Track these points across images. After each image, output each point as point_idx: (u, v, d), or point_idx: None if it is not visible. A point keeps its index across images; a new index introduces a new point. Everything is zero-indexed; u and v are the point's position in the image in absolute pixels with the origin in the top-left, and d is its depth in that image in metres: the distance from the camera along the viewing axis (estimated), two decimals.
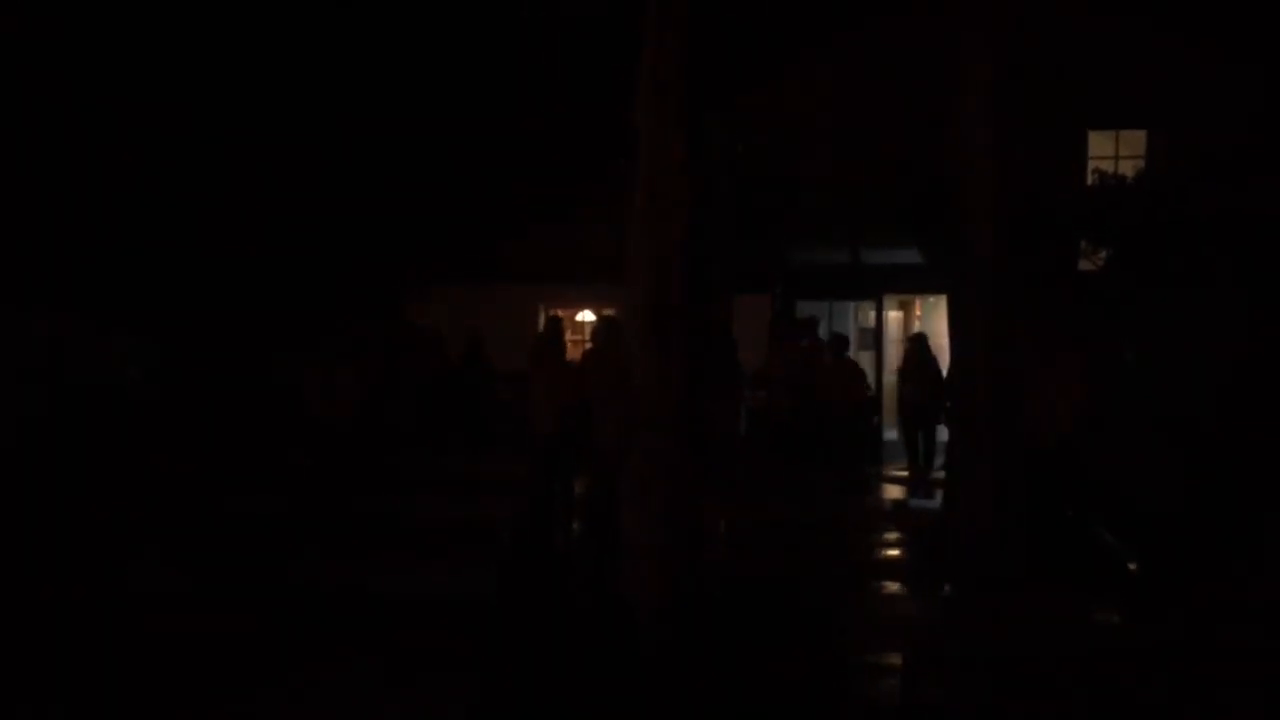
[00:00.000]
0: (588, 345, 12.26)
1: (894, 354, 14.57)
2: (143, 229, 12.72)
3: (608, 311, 14.70)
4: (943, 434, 12.55)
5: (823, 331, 15.07)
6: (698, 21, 5.66)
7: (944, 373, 12.56)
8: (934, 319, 15.42)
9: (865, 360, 14.18)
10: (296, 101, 13.24)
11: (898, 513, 10.98)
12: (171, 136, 12.66)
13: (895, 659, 6.48)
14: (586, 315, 16.08)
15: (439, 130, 14.08)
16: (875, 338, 14.90)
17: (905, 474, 12.63)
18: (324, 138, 13.56)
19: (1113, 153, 14.09)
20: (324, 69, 12.92)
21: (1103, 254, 12.50)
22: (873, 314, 15.08)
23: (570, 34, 11.84)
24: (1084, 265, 12.63)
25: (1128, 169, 13.57)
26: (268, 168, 13.33)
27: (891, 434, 13.85)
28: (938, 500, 11.33)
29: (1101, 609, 7.41)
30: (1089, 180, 13.13)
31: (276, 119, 13.22)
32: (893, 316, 15.48)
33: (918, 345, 12.80)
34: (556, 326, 10.57)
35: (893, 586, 8.13)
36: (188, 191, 12.95)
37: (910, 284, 14.74)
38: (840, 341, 12.12)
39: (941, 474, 12.03)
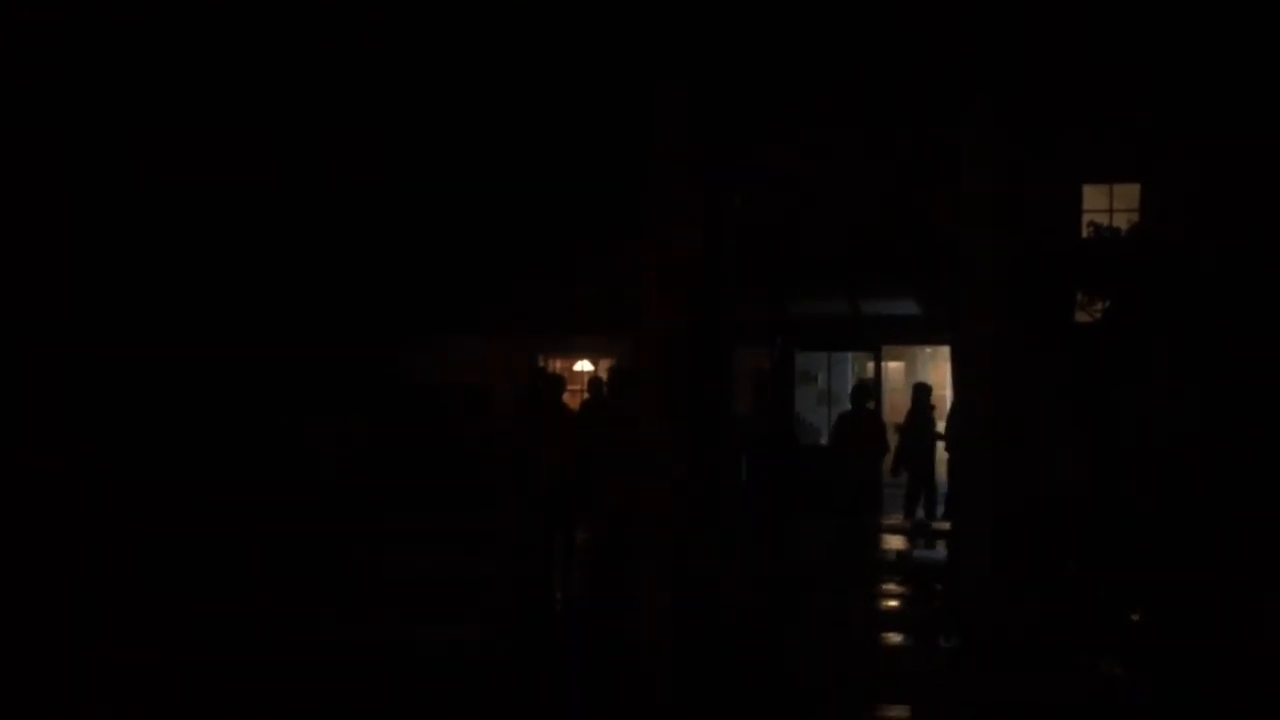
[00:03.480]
0: (586, 396, 12.31)
1: (894, 404, 14.62)
2: (128, 268, 12.62)
3: (605, 361, 14.78)
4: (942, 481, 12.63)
5: (822, 382, 15.12)
6: (703, 97, 5.81)
7: (936, 423, 12.68)
8: (931, 370, 15.51)
9: None
10: (293, 150, 13.28)
11: (901, 564, 10.96)
12: (161, 179, 12.61)
13: (899, 712, 6.46)
14: (584, 365, 16.15)
15: (436, 180, 14.16)
16: (875, 389, 14.96)
17: (904, 524, 12.64)
18: (319, 185, 13.60)
19: (1107, 206, 14.25)
20: (324, 117, 12.99)
21: (1099, 306, 12.60)
22: (871, 365, 15.16)
23: (572, 92, 11.99)
24: (1081, 317, 12.72)
25: (1121, 222, 13.73)
26: (262, 216, 13.33)
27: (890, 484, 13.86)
28: (939, 551, 11.35)
29: (1104, 661, 7.40)
30: (1084, 233, 13.26)
31: (272, 167, 13.24)
32: (892, 367, 15.55)
33: (915, 395, 12.90)
34: (554, 378, 10.62)
35: (896, 639, 8.11)
36: (176, 235, 12.88)
37: (909, 335, 14.83)
38: (862, 391, 11.79)
39: (942, 524, 12.08)
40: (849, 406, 11.70)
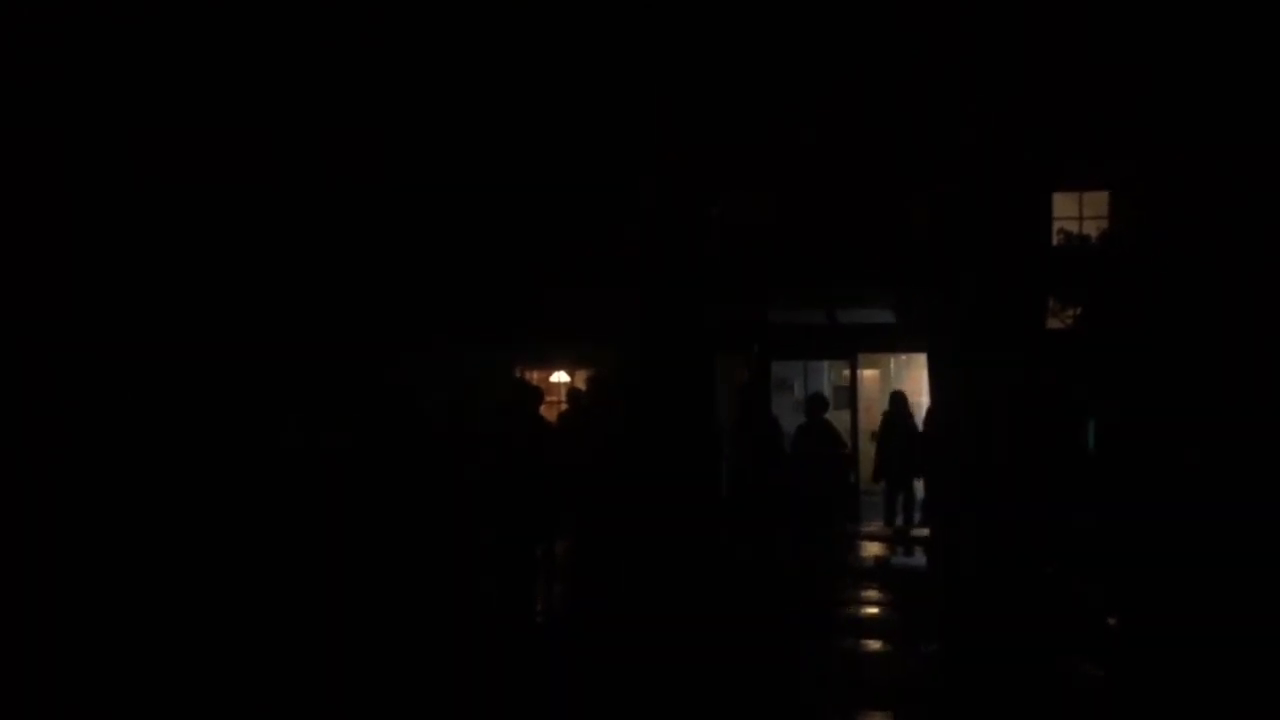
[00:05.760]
0: (564, 407, 12.32)
1: (870, 413, 14.69)
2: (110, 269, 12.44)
3: (582, 372, 14.78)
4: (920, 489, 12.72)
5: (798, 391, 15.21)
6: (684, 112, 5.90)
7: (915, 428, 12.78)
8: (906, 378, 15.62)
9: (841, 419, 14.28)
10: (275, 160, 13.17)
11: (879, 570, 11.03)
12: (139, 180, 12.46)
13: (880, 719, 6.51)
14: (561, 376, 16.14)
15: (414, 188, 14.08)
16: (850, 397, 15.04)
17: (884, 531, 12.72)
18: (299, 192, 13.48)
19: (1076, 213, 14.40)
20: (308, 128, 12.90)
21: (1071, 312, 12.74)
22: (847, 373, 15.24)
23: (553, 104, 12.02)
24: (1053, 323, 12.86)
25: (1091, 229, 13.88)
26: (235, 224, 13.19)
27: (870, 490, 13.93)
28: (918, 557, 11.43)
29: (1082, 663, 7.48)
30: (1055, 240, 13.41)
31: (253, 174, 13.12)
32: (867, 375, 15.64)
33: (894, 404, 13.01)
34: (531, 388, 10.63)
35: (875, 644, 8.16)
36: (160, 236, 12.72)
37: (884, 343, 14.92)
38: (817, 402, 12.12)
39: (921, 531, 12.18)
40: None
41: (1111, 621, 8.28)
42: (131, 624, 8.04)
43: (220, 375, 12.58)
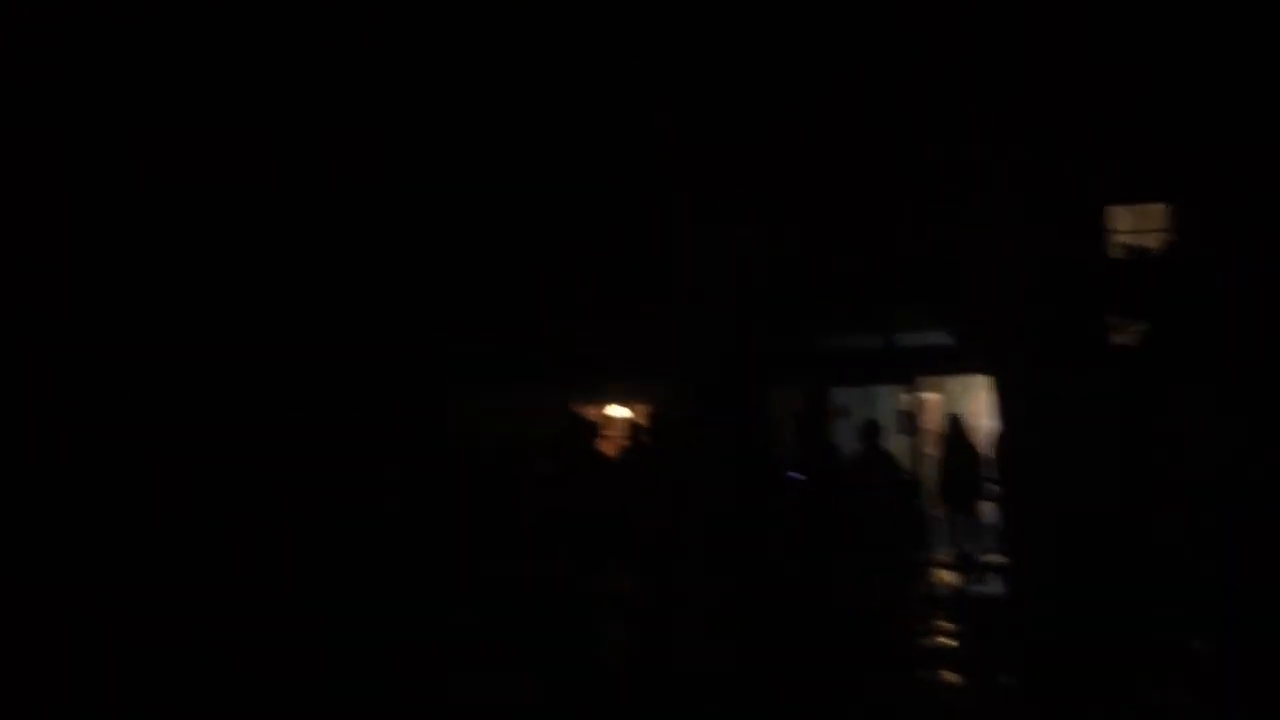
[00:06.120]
0: (625, 442, 12.22)
1: (933, 436, 14.49)
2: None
3: (640, 406, 14.66)
4: (986, 514, 12.46)
5: (856, 419, 15.00)
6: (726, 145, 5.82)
7: (977, 451, 12.56)
8: (970, 401, 15.36)
9: (904, 444, 14.04)
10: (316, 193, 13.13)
11: (952, 598, 10.79)
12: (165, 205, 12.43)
13: None
14: (617, 410, 16.05)
15: (462, 222, 14.05)
16: (911, 421, 14.80)
17: (953, 558, 12.48)
18: (334, 230, 13.44)
19: (1135, 227, 14.15)
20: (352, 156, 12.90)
21: (1137, 328, 12.46)
22: (907, 397, 15.00)
23: (599, 137, 11.98)
24: (1119, 339, 12.59)
25: (1150, 242, 13.60)
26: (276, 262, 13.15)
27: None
28: (991, 584, 11.16)
29: (1169, 691, 7.22)
30: (1115, 254, 13.16)
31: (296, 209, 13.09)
32: (930, 399, 15.41)
33: (952, 427, 12.85)
34: (588, 423, 10.54)
35: (952, 676, 7.94)
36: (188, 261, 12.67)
37: (943, 366, 14.68)
38: (871, 429, 11.82)
39: (988, 557, 11.91)
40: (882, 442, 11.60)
41: (1201, 649, 7.97)
42: (127, 635, 7.99)
43: (255, 409, 12.46)
